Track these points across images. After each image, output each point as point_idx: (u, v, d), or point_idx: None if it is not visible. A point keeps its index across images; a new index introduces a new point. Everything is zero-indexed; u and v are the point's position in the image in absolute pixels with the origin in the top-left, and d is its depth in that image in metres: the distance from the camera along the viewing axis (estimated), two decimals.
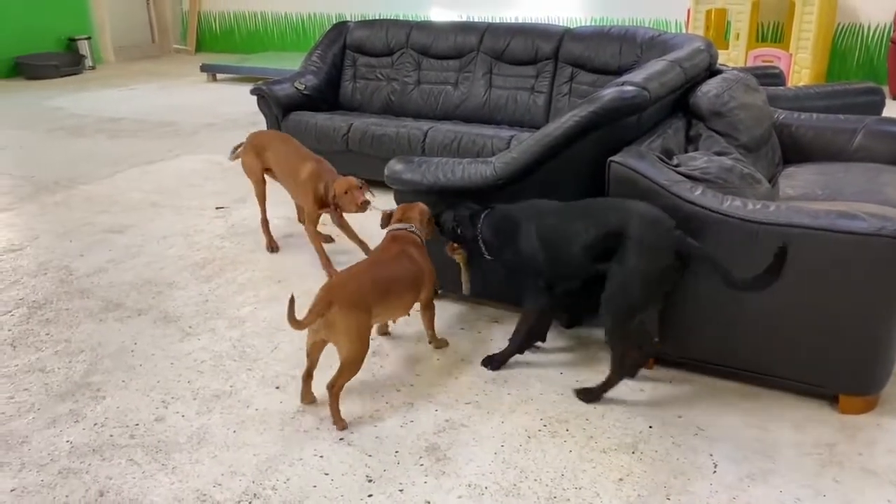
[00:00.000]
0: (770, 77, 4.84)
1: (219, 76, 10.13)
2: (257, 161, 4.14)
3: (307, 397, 2.75)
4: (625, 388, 2.79)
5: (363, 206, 3.54)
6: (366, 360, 2.65)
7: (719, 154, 3.12)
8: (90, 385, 2.90)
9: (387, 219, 3.11)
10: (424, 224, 3.05)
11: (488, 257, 2.91)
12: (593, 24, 9.11)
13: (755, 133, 3.40)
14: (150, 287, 3.74)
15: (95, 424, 2.65)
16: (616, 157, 2.69)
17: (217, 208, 4.91)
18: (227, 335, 3.25)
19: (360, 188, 3.60)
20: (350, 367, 2.61)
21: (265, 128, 5.51)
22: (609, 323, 2.61)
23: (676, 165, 2.84)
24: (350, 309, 2.56)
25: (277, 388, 2.85)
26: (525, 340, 2.92)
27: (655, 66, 3.27)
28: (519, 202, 2.88)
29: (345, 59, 5.77)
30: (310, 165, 3.88)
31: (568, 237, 2.66)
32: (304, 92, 5.47)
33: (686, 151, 3.23)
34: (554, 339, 3.14)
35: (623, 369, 2.69)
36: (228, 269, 3.94)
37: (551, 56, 5.00)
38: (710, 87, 3.38)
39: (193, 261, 4.05)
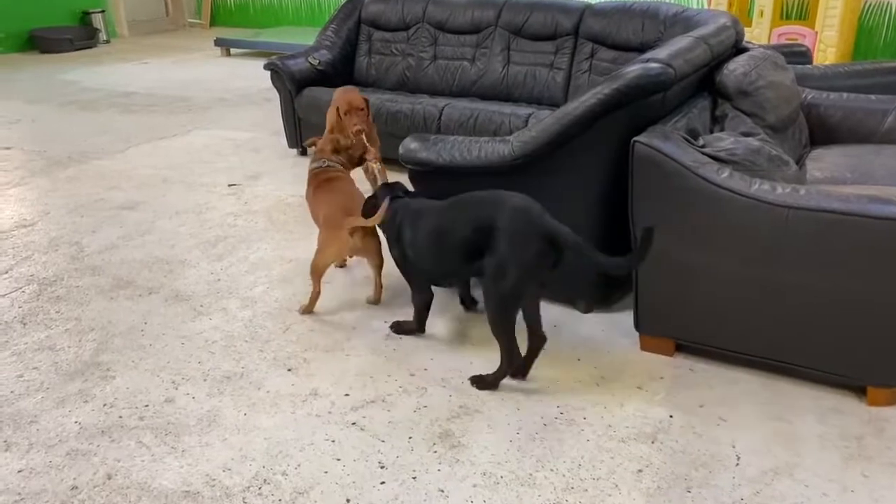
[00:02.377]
0: (796, 55, 4.70)
1: (233, 51, 10.03)
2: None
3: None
4: (644, 376, 2.72)
5: (356, 134, 3.79)
6: (379, 343, 2.60)
7: (746, 135, 3.01)
8: (100, 364, 2.86)
9: (310, 144, 3.64)
10: (334, 153, 3.50)
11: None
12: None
13: (783, 113, 3.29)
14: (162, 265, 3.69)
15: (105, 405, 2.61)
16: (640, 138, 2.59)
17: (229, 185, 4.85)
18: (238, 315, 3.20)
19: (361, 110, 3.95)
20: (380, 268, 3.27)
21: (278, 103, 5.42)
22: (489, 315, 2.60)
23: (702, 146, 2.74)
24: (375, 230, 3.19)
25: (289, 370, 2.80)
26: (420, 325, 3.03)
27: (680, 42, 3.15)
28: (413, 200, 2.97)
29: (360, 34, 5.67)
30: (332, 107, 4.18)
31: (443, 235, 2.70)
32: (318, 67, 5.37)
33: (711, 131, 3.12)
34: (571, 324, 3.07)
35: (512, 360, 2.63)
36: (240, 247, 3.88)
37: (571, 32, 4.87)
38: (736, 66, 3.26)
39: (205, 238, 3.99)
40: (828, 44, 7.75)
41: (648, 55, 2.98)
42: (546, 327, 2.85)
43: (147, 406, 2.61)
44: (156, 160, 5.41)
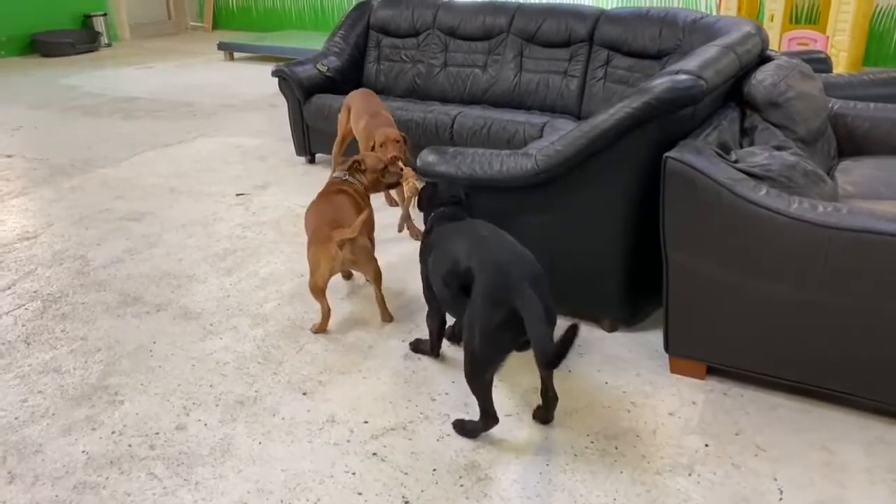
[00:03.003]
0: (816, 63, 4.57)
1: (236, 55, 9.93)
2: (345, 115, 4.50)
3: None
4: (675, 401, 2.61)
5: (390, 161, 3.49)
6: (397, 364, 2.49)
7: (778, 148, 2.90)
8: (107, 388, 2.75)
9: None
10: (355, 173, 3.35)
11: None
12: (626, 5, 8.82)
13: (813, 125, 3.18)
14: (169, 280, 3.58)
15: (113, 433, 2.50)
16: (672, 153, 2.48)
17: (237, 195, 4.74)
18: (250, 334, 3.09)
19: (398, 142, 3.81)
20: (379, 277, 3.15)
21: (285, 110, 5.31)
22: (465, 366, 2.39)
23: (735, 161, 2.63)
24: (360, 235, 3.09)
25: (304, 394, 2.69)
26: (433, 349, 2.89)
27: (708, 52, 3.04)
28: (453, 214, 2.77)
29: (368, 40, 5.56)
30: (364, 121, 4.13)
31: (444, 261, 2.52)
32: (328, 74, 5.27)
33: (741, 145, 3.01)
34: (596, 343, 2.96)
35: (488, 421, 2.38)
36: (250, 261, 3.77)
37: (586, 39, 4.76)
38: (764, 76, 3.15)
39: (213, 252, 3.89)
40: (839, 48, 7.64)
41: (677, 66, 2.86)
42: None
43: (157, 434, 2.49)
44: (161, 168, 5.31)
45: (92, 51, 10.36)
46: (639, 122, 2.63)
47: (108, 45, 10.80)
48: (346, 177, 3.28)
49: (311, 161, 5.38)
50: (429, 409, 2.60)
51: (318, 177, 5.07)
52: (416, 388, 2.71)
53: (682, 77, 2.68)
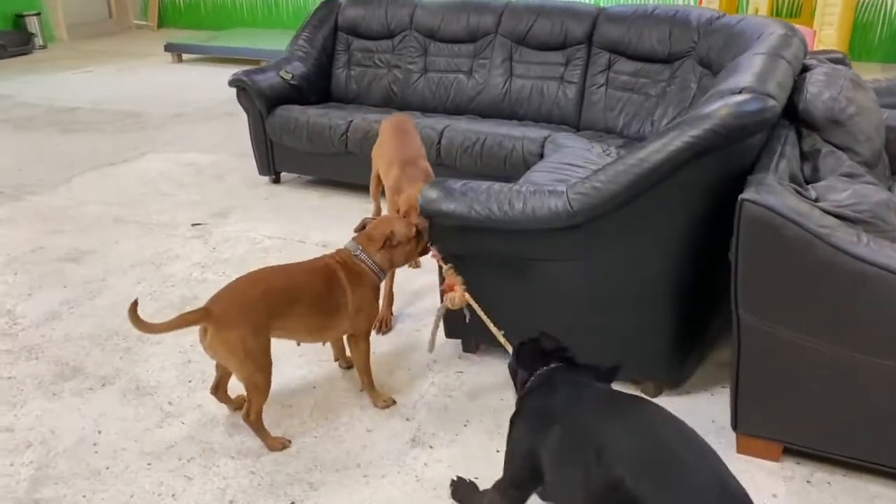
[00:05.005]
0: (836, 64, 4.17)
1: (185, 56, 9.20)
2: (377, 151, 3.51)
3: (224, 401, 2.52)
4: (751, 492, 2.13)
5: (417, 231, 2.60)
6: (403, 453, 1.97)
7: (848, 176, 2.45)
8: None
9: (361, 226, 2.60)
10: (376, 248, 2.49)
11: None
12: (620, 3, 8.37)
13: (876, 145, 2.72)
14: (116, 342, 2.99)
15: None
16: (749, 195, 1.99)
17: (193, 225, 4.14)
18: (218, 415, 2.53)
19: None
20: (253, 390, 2.29)
21: (246, 119, 4.68)
22: None
23: (815, 199, 2.16)
24: (230, 328, 2.20)
25: (292, 503, 2.14)
26: None
27: (757, 62, 2.57)
28: (584, 388, 1.87)
29: (337, 43, 4.98)
30: (395, 171, 3.15)
31: (576, 461, 1.65)
32: (291, 81, 4.68)
33: (802, 170, 2.55)
34: None
35: None
36: None
37: (583, 40, 4.27)
38: (819, 88, 2.67)
39: (168, 301, 3.29)
40: (827, 43, 7.31)
41: (730, 83, 2.38)
42: None
43: None
44: (105, 194, 4.66)
45: (25, 54, 9.51)
46: (698, 154, 2.14)
47: (43, 47, 9.94)
48: (359, 252, 2.49)
49: (276, 181, 4.79)
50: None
51: (286, 200, 4.49)
52: (433, 490, 2.18)
53: (747, 98, 2.20)
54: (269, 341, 2.30)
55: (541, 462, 1.75)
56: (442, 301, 2.46)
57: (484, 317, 2.36)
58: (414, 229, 2.54)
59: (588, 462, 1.60)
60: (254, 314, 2.24)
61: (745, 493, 1.52)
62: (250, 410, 2.31)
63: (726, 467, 1.54)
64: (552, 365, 1.93)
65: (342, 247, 2.53)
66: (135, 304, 2.20)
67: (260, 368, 2.28)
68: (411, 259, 2.63)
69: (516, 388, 2.02)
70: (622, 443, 1.60)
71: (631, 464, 1.54)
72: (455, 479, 2.15)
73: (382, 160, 3.34)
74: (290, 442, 2.38)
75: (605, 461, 1.57)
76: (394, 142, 3.32)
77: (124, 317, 3.09)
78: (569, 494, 1.70)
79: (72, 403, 2.61)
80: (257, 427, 2.34)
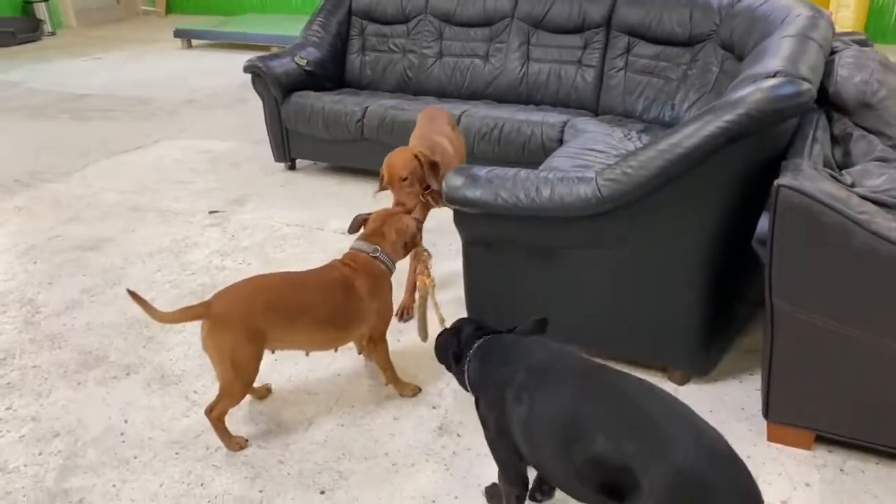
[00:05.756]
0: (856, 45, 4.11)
1: (195, 42, 9.18)
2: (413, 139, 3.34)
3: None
4: (784, 482, 2.12)
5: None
6: (431, 442, 1.95)
7: (881, 160, 2.41)
8: (69, 494, 2.16)
9: (357, 225, 2.52)
10: (398, 247, 2.47)
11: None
12: None
13: None
14: (139, 330, 2.98)
15: None
16: (785, 180, 1.95)
17: (210, 212, 4.12)
18: (243, 404, 2.51)
19: (404, 179, 2.82)
20: (225, 394, 2.23)
21: (258, 105, 4.66)
22: None
23: (851, 185, 2.13)
24: (224, 330, 2.15)
25: (322, 492, 2.14)
26: None
27: (786, 45, 2.52)
28: (521, 343, 1.87)
29: (351, 28, 4.94)
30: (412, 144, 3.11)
31: (570, 438, 1.57)
32: (306, 68, 4.64)
33: (833, 155, 2.51)
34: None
35: None
36: None
37: (602, 23, 4.22)
38: (849, 71, 2.64)
39: (189, 289, 3.28)
40: (843, 25, 7.24)
41: (761, 67, 2.34)
42: None
43: None
44: (120, 181, 4.65)
45: (34, 40, 9.50)
46: (732, 139, 2.10)
47: (52, 33, 9.94)
48: (378, 254, 2.42)
49: (292, 167, 4.77)
50: None
51: (302, 187, 4.47)
52: (462, 478, 2.17)
53: (781, 81, 2.15)
54: (261, 353, 2.24)
55: (516, 440, 1.72)
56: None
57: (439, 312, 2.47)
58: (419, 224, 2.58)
59: (562, 434, 1.58)
60: (251, 324, 2.17)
61: (724, 440, 1.48)
62: (215, 408, 2.24)
63: (700, 417, 1.51)
64: (482, 339, 1.94)
65: (352, 249, 2.46)
66: (134, 293, 2.19)
67: (241, 378, 2.22)
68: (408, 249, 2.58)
69: (460, 381, 1.98)
70: (590, 412, 1.56)
71: (610, 432, 1.49)
72: (489, 485, 2.08)
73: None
74: (247, 442, 2.32)
75: (579, 431, 1.54)
76: (422, 126, 3.32)
77: None
78: (550, 467, 1.67)
79: (97, 392, 2.61)
80: (218, 426, 2.28)
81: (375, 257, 2.41)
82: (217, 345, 2.17)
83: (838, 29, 7.09)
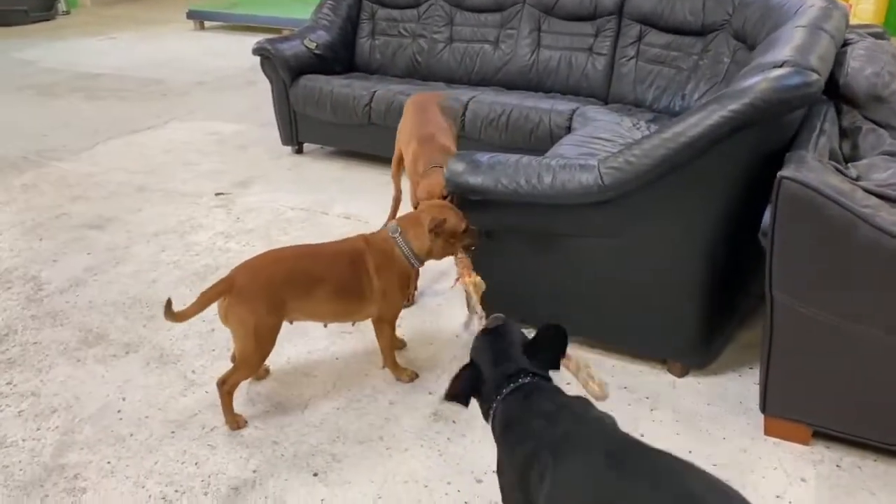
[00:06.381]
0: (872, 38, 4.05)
1: (207, 24, 9.17)
2: (399, 131, 3.25)
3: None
4: (780, 476, 2.10)
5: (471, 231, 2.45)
6: (426, 428, 1.95)
7: (890, 155, 2.37)
8: (64, 469, 2.17)
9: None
10: (422, 235, 2.36)
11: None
12: None
13: None
14: (140, 309, 2.99)
15: None
16: (788, 172, 1.93)
17: (217, 194, 4.12)
18: (242, 385, 2.51)
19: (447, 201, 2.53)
20: (243, 365, 2.29)
21: (268, 88, 4.64)
22: None
23: (856, 178, 2.10)
24: (247, 302, 2.19)
25: (315, 475, 2.14)
26: None
27: (797, 35, 2.48)
28: (553, 409, 1.56)
29: (361, 12, 4.91)
30: (412, 147, 2.94)
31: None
32: (316, 51, 4.62)
33: (841, 148, 2.47)
34: (667, 394, 2.44)
35: None
36: None
37: (614, 11, 4.16)
38: (861, 63, 2.59)
39: (192, 269, 3.29)
40: (862, 17, 7.14)
41: (770, 57, 2.31)
42: (637, 398, 2.29)
43: None
44: (128, 161, 4.66)
45: (48, 19, 9.52)
46: (737, 129, 2.08)
47: (66, 12, 9.96)
48: (397, 235, 2.37)
49: (299, 151, 4.76)
50: (475, 495, 2.06)
51: (309, 170, 4.47)
52: (455, 465, 2.17)
53: (789, 71, 2.12)
54: (279, 323, 2.27)
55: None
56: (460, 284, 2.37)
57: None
58: (464, 224, 2.39)
59: None
60: (272, 294, 2.22)
61: None
62: (228, 380, 2.28)
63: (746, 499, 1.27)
64: (518, 383, 1.62)
65: (383, 226, 2.44)
66: (168, 302, 2.19)
67: (260, 349, 2.27)
68: (447, 255, 2.43)
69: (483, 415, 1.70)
70: (628, 490, 1.32)
71: None
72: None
73: (403, 137, 3.19)
74: (246, 423, 2.33)
75: None
76: (413, 116, 3.16)
77: (148, 284, 3.14)
78: None
79: (96, 370, 2.62)
80: (226, 400, 2.30)
81: (393, 237, 2.37)
82: (240, 317, 2.20)
83: (857, 21, 7.01)
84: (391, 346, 2.52)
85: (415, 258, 2.39)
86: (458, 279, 2.37)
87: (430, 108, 3.22)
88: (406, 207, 2.93)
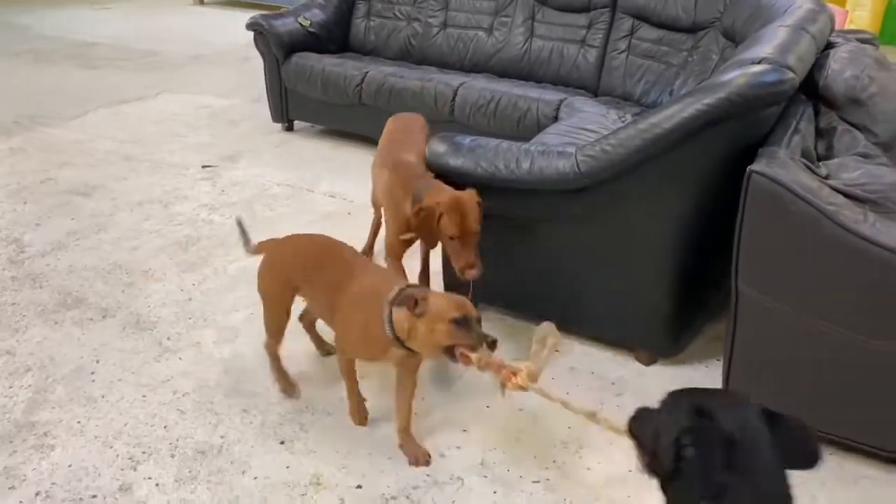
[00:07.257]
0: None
1: None
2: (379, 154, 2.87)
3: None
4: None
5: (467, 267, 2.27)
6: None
7: (863, 157, 2.41)
8: (35, 426, 2.20)
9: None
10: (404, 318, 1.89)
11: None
12: None
13: (894, 126, 2.68)
14: (120, 275, 3.01)
15: (38, 494, 1.97)
16: (758, 167, 1.97)
17: (203, 167, 4.14)
18: (215, 354, 2.56)
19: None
20: (266, 329, 2.35)
21: (260, 64, 4.64)
22: None
23: (826, 177, 2.13)
24: (265, 268, 2.30)
25: (282, 443, 2.17)
26: None
27: (780, 34, 2.51)
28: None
29: None
30: (385, 173, 2.65)
31: None
32: (310, 29, 4.63)
33: (816, 148, 2.51)
34: (634, 382, 2.48)
35: None
36: (218, 253, 3.20)
37: (608, 4, 4.19)
38: (842, 65, 2.63)
39: (174, 239, 3.31)
40: (858, 24, 7.17)
41: (750, 53, 2.34)
42: (603, 384, 2.32)
43: (95, 497, 1.97)
44: (117, 130, 4.66)
45: None
46: (711, 123, 2.11)
47: None
48: (395, 289, 1.93)
49: (289, 128, 4.78)
50: (437, 469, 2.10)
51: (297, 148, 4.48)
52: (421, 439, 2.20)
53: (766, 68, 2.16)
54: (293, 295, 2.24)
55: None
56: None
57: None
58: (460, 314, 1.81)
59: None
60: (287, 269, 2.24)
61: None
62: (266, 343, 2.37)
63: None
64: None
65: (400, 287, 1.94)
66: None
67: (270, 313, 2.29)
68: (438, 347, 1.85)
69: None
70: None
71: None
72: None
73: (379, 159, 2.83)
74: (294, 391, 2.36)
75: None
76: (396, 139, 2.83)
77: (129, 251, 3.17)
78: None
79: (72, 332, 2.65)
80: (271, 363, 2.39)
81: (397, 292, 1.91)
82: (263, 280, 2.33)
83: (852, 27, 7.04)
84: (348, 370, 2.24)
85: (393, 334, 1.89)
86: (502, 385, 1.79)
87: (416, 130, 2.89)
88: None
